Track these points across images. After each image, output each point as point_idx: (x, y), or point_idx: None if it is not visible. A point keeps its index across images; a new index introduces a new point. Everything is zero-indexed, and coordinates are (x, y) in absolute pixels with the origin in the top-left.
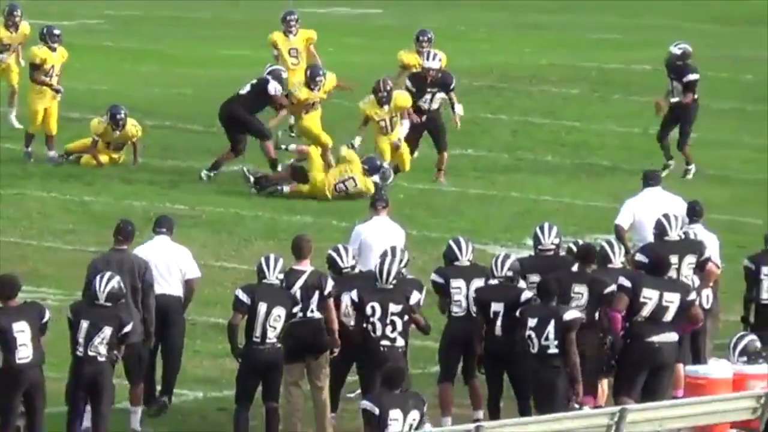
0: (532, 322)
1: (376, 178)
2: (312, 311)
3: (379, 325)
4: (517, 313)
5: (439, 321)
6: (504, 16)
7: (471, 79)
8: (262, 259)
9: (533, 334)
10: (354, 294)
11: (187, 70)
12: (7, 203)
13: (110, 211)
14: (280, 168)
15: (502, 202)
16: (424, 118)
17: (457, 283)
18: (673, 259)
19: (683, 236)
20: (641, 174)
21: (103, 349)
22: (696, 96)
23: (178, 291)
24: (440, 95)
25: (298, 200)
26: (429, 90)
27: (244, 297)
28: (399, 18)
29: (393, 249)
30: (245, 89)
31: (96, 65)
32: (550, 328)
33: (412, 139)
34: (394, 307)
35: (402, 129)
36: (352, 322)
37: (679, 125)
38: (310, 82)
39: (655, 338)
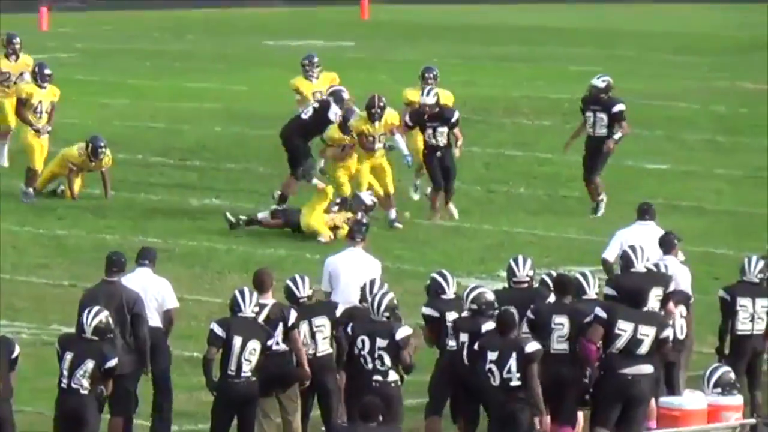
0: (492, 355)
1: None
2: (277, 343)
3: (369, 359)
4: (476, 346)
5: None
6: (477, 48)
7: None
8: (236, 293)
9: (494, 367)
10: (349, 326)
11: (159, 104)
12: None
13: (83, 245)
14: (276, 211)
15: (476, 235)
16: (438, 153)
17: (451, 316)
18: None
19: (651, 268)
20: (636, 206)
21: (85, 382)
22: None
23: (158, 322)
24: (442, 129)
25: (272, 233)
26: (429, 125)
27: (219, 331)
28: (371, 51)
29: (372, 281)
30: (308, 113)
31: (67, 99)
32: (512, 361)
33: (433, 176)
34: (381, 342)
35: (398, 141)
36: (311, 351)
37: (595, 158)
38: (344, 125)
39: (628, 370)
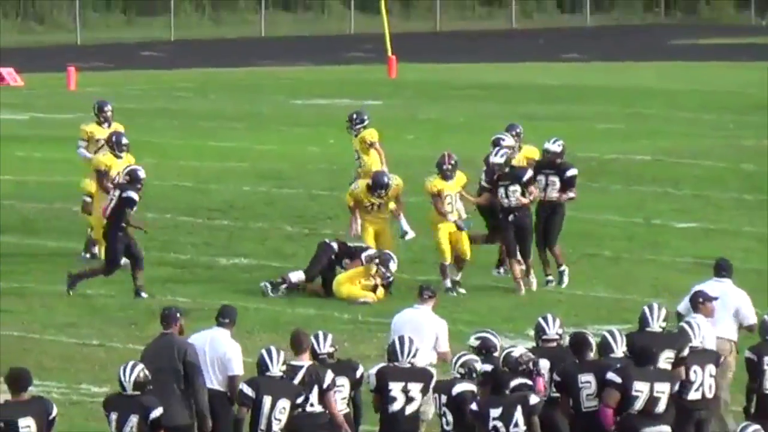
0: (495, 412)
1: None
2: (312, 405)
3: (439, 416)
4: (474, 407)
5: None
6: (504, 107)
7: (469, 170)
8: (264, 352)
9: (499, 423)
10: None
11: (185, 163)
12: (10, 296)
13: (112, 305)
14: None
15: (504, 293)
16: (511, 217)
17: None
18: None
19: (665, 329)
20: (714, 262)
21: None
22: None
23: (217, 385)
24: (513, 188)
25: (301, 292)
26: (500, 183)
27: (248, 391)
28: (399, 110)
29: (402, 338)
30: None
31: None
32: (518, 415)
33: (508, 243)
34: (443, 398)
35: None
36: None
37: (549, 224)
38: (371, 189)
39: (648, 430)
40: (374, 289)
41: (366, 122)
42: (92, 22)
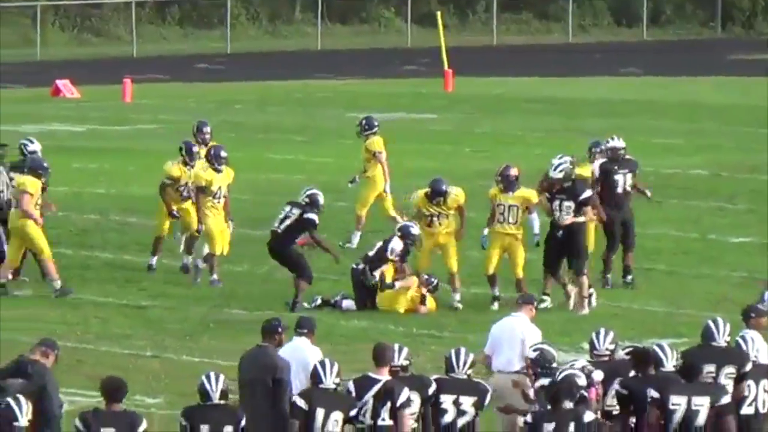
0: (548, 426)
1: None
2: (383, 419)
3: None
4: (529, 419)
5: None
6: (561, 121)
7: (524, 184)
8: (317, 364)
9: None
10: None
11: (243, 175)
12: (65, 308)
13: (167, 316)
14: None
15: (559, 307)
16: (560, 233)
17: None
18: (710, 367)
19: (727, 344)
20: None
21: None
22: None
23: None
24: (568, 204)
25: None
26: (557, 196)
27: (301, 403)
28: (454, 123)
29: (458, 350)
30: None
31: (151, 169)
32: (571, 430)
33: (546, 255)
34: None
35: (532, 220)
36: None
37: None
38: (429, 197)
39: None
40: (422, 299)
41: (375, 129)
42: (148, 34)
